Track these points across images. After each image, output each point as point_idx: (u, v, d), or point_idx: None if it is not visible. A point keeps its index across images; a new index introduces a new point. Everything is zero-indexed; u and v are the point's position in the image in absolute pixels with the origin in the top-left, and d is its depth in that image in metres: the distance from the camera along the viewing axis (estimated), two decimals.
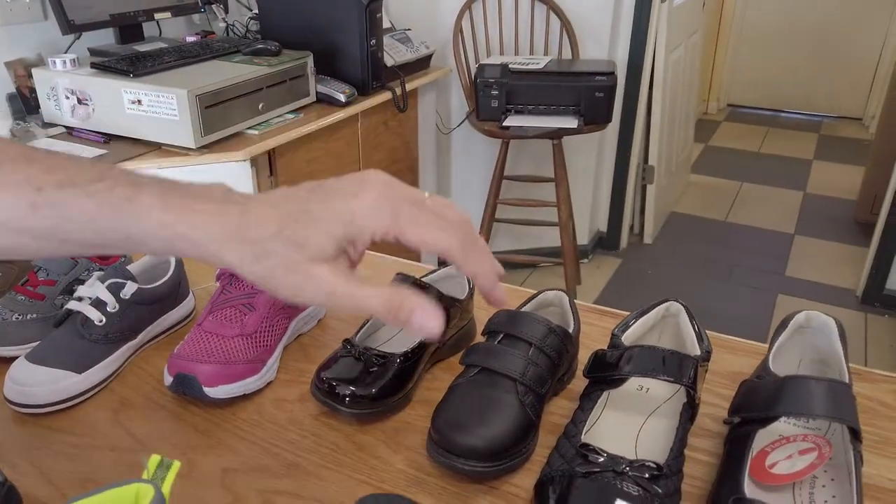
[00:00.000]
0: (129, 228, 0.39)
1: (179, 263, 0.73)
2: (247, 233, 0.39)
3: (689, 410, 0.53)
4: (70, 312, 0.63)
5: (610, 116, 2.48)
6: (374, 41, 2.18)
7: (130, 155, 1.69)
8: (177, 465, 0.40)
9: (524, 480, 0.54)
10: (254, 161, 1.77)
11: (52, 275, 0.68)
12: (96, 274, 0.65)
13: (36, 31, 1.94)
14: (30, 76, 1.91)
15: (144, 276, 0.71)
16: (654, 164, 3.21)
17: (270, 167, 1.89)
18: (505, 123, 2.42)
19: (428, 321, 0.39)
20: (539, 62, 2.54)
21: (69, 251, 0.41)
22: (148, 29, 2.11)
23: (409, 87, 2.33)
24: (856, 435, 0.49)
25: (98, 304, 0.63)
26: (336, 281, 0.39)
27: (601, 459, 0.48)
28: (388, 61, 2.30)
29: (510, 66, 2.47)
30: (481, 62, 2.55)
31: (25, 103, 1.92)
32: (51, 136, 1.80)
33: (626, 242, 3.31)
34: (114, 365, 0.65)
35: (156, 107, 1.70)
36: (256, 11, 2.35)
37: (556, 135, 2.47)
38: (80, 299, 0.63)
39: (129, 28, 2.03)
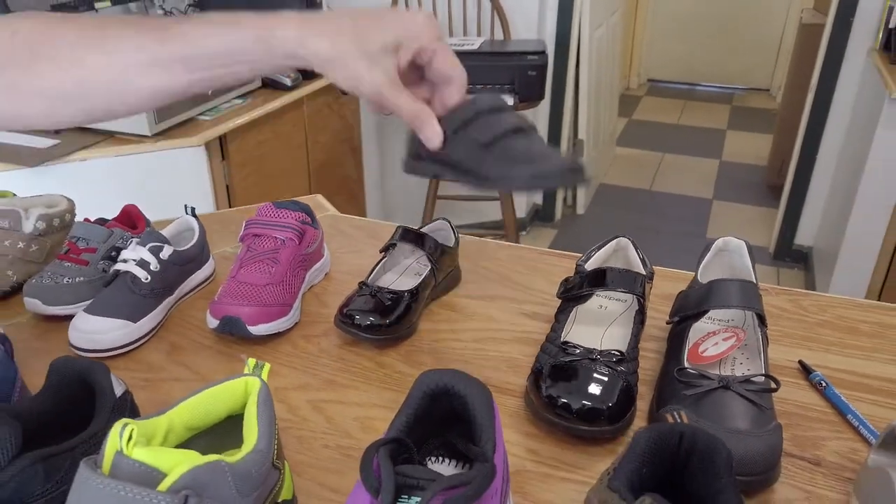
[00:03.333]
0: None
1: (202, 230, 0.83)
2: (327, 27, 0.53)
3: (640, 315, 0.69)
4: (118, 273, 0.73)
5: (543, 93, 2.64)
6: None
7: (84, 144, 1.72)
8: (268, 366, 0.52)
9: (516, 379, 0.69)
10: (207, 146, 1.83)
11: (91, 243, 0.77)
12: (134, 240, 0.75)
13: None
14: None
15: (174, 243, 0.81)
16: (584, 137, 3.40)
17: (222, 152, 1.95)
18: None
19: (430, 132, 0.55)
20: (474, 43, 2.68)
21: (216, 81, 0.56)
22: None
23: None
24: (762, 320, 0.65)
25: (142, 263, 0.73)
26: (384, 81, 0.53)
27: (578, 351, 0.63)
28: None
29: None
30: None
31: None
32: None
33: (561, 214, 3.50)
34: (159, 316, 0.75)
35: None
36: None
37: None
38: (125, 261, 0.73)
39: None
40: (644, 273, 0.70)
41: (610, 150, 4.10)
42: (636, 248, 0.75)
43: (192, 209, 0.84)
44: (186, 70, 0.54)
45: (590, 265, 0.73)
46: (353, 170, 2.72)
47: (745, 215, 3.49)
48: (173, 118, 1.81)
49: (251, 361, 0.52)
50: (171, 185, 1.82)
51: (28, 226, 0.76)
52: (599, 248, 0.76)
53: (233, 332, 0.71)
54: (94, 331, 0.69)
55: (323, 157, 2.46)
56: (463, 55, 2.37)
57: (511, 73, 2.57)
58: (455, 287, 0.85)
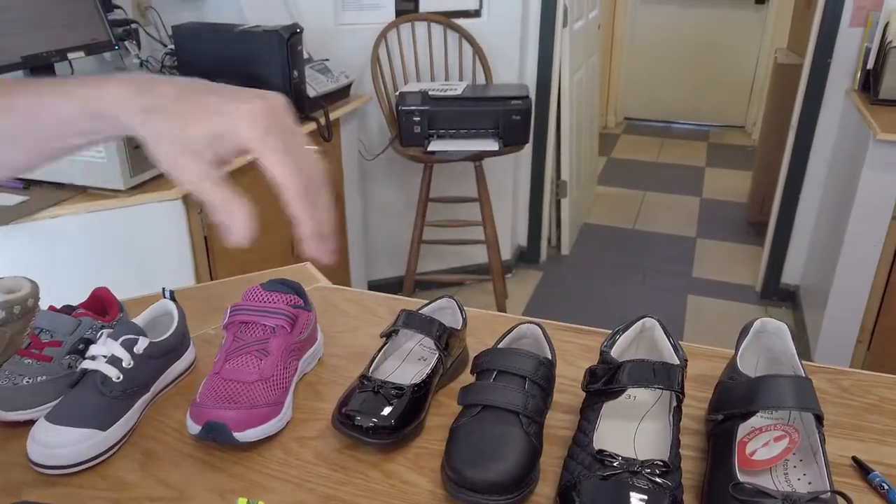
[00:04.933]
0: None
1: (182, 316, 0.75)
2: (147, 93, 0.48)
3: (679, 413, 0.61)
4: (85, 372, 0.64)
5: (527, 137, 2.60)
6: (296, 73, 2.21)
7: (56, 200, 1.64)
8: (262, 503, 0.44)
9: (542, 488, 0.61)
10: (185, 199, 1.75)
11: (56, 335, 0.69)
12: (106, 332, 0.66)
13: None
14: None
15: (149, 331, 0.73)
16: (567, 178, 3.38)
17: (200, 207, 1.87)
18: (430, 149, 2.50)
19: (234, 226, 0.49)
20: (457, 88, 2.64)
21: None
22: (59, 69, 2.05)
23: (331, 116, 2.36)
24: (819, 420, 0.58)
25: (114, 360, 0.64)
26: (199, 176, 0.48)
27: (616, 462, 0.55)
28: (310, 92, 2.33)
29: (430, 92, 2.56)
30: (401, 90, 2.63)
31: None
32: None
33: (546, 255, 3.45)
34: (132, 419, 0.66)
35: None
36: (172, 47, 2.33)
37: (479, 157, 2.58)
38: (93, 358, 0.64)
39: (40, 69, 1.96)
40: (677, 362, 0.63)
41: (591, 189, 4.08)
42: (666, 331, 0.68)
43: (171, 292, 0.75)
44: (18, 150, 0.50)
45: (615, 351, 0.66)
46: (336, 216, 2.64)
47: (729, 253, 3.47)
48: (147, 172, 1.73)
49: (241, 502, 0.44)
50: (149, 240, 1.74)
51: None
52: (623, 330, 0.69)
53: (216, 440, 0.63)
54: (55, 444, 0.60)
55: None
56: (447, 100, 2.32)
57: (495, 117, 2.53)
58: (463, 371, 0.77)
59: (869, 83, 2.48)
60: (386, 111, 2.78)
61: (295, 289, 0.73)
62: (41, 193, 1.67)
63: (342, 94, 2.57)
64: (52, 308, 0.71)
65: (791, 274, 3.01)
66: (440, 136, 2.55)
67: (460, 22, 2.86)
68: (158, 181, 1.75)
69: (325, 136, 2.38)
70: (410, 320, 0.70)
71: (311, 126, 2.29)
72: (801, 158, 2.82)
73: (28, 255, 1.65)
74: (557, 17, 3.01)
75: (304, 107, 2.26)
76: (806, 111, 2.76)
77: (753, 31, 4.95)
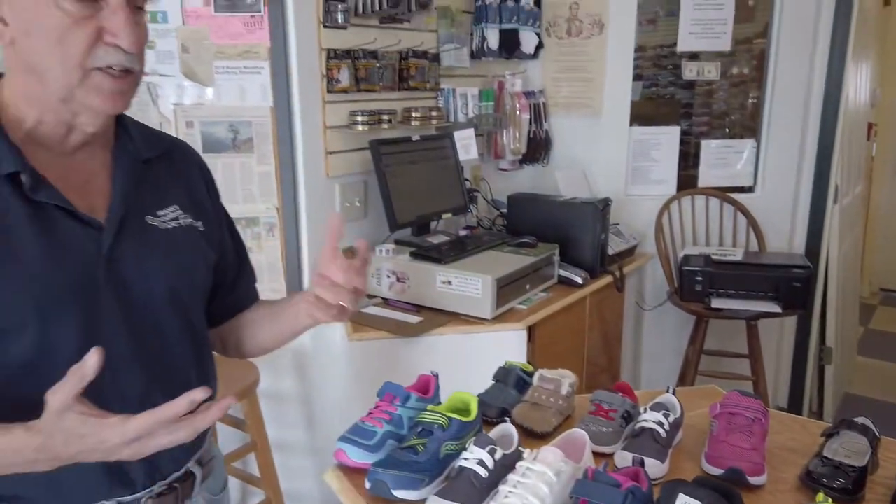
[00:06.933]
0: None
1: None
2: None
3: None
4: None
5: (805, 303, 2.80)
6: (603, 235, 2.68)
7: (440, 323, 2.15)
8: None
9: None
10: (528, 329, 2.20)
11: (612, 406, 1.10)
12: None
13: (356, 226, 2.51)
14: None
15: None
16: (832, 345, 3.44)
17: (529, 336, 2.32)
18: (713, 305, 2.80)
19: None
20: (735, 254, 2.95)
21: None
22: (431, 225, 2.68)
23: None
24: None
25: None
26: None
27: None
28: (609, 251, 2.77)
29: (712, 256, 2.89)
30: (685, 253, 2.99)
31: None
32: (373, 305, 2.31)
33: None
34: None
35: (463, 287, 2.18)
36: (504, 210, 2.92)
37: (758, 317, 2.82)
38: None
39: (424, 225, 2.60)
40: None
41: (852, 359, 4.04)
42: None
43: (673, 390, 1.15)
44: None
45: None
46: (614, 355, 3.00)
47: None
48: (504, 306, 2.22)
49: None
50: (500, 357, 2.19)
51: (564, 388, 1.11)
52: None
53: (732, 480, 0.97)
54: None
55: (593, 342, 2.77)
56: (728, 264, 2.67)
57: (776, 282, 2.78)
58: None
59: None
60: (666, 269, 3.13)
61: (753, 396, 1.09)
62: (429, 316, 2.21)
63: (629, 252, 3.00)
64: (602, 389, 1.14)
65: None
66: (719, 295, 2.84)
67: (735, 196, 3.21)
68: (511, 313, 2.23)
69: (619, 287, 2.78)
70: (852, 424, 1.02)
71: (608, 279, 2.72)
72: None
73: (420, 359, 2.17)
74: (829, 194, 3.24)
75: (604, 262, 2.70)
76: None
77: None
